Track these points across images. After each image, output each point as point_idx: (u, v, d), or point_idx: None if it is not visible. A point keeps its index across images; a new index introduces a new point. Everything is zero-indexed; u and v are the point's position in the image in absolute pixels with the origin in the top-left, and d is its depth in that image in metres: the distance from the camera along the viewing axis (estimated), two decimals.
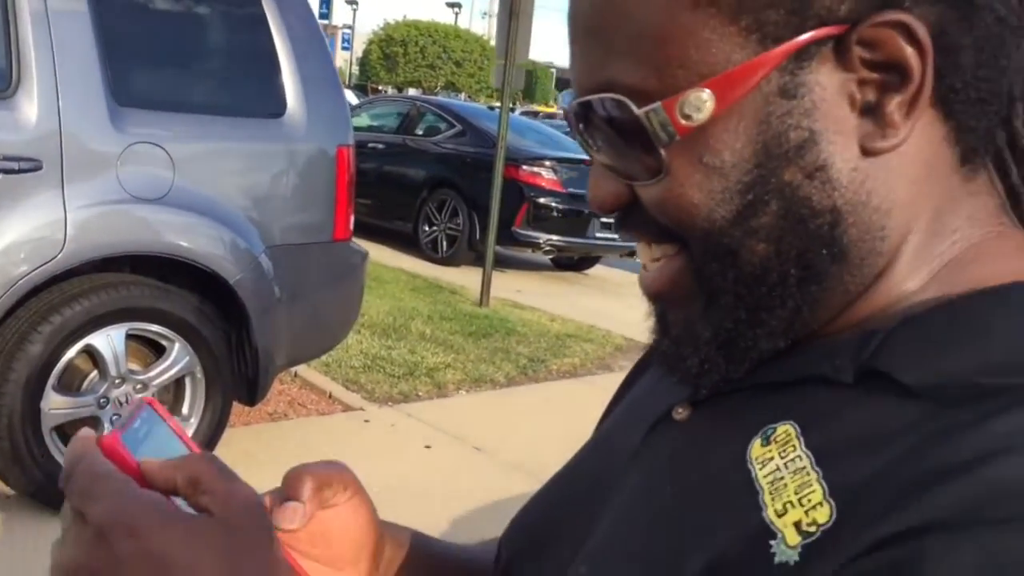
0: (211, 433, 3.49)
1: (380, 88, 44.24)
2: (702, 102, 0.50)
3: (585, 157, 7.95)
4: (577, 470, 0.71)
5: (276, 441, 4.17)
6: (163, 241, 3.20)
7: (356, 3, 66.42)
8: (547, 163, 8.80)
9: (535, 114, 32.32)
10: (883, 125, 0.49)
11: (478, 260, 8.26)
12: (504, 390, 5.36)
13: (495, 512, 3.72)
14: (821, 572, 0.45)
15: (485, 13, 74.14)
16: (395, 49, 46.18)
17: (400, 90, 45.44)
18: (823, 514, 0.47)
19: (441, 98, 12.52)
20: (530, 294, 8.07)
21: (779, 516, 0.48)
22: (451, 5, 64.88)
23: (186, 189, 3.23)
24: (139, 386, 3.30)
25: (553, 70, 60.55)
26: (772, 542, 0.48)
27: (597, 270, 9.93)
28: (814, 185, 0.50)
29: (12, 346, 2.94)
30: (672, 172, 0.52)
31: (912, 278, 0.53)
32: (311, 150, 3.66)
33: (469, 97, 44.49)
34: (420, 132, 9.97)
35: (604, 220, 8.86)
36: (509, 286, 8.11)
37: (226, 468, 0.54)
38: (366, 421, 4.58)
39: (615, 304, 8.17)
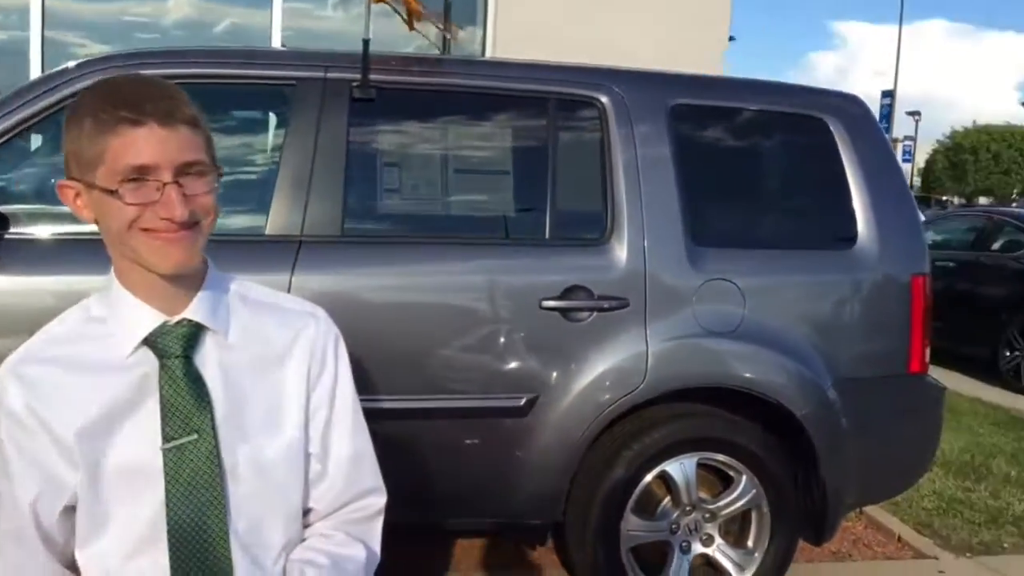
0: (775, 568, 3.42)
1: (946, 199, 41.65)
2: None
3: None
4: None
5: None
6: (733, 374, 3.26)
7: (919, 114, 63.90)
8: None
9: None
10: None
11: None
12: None
13: None
14: None
15: None
16: (963, 157, 43.29)
17: (968, 200, 42.29)
18: None
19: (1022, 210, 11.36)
20: None
21: None
22: None
23: (756, 322, 3.28)
24: (707, 515, 3.37)
25: None
26: None
27: None
28: None
29: (600, 468, 3.19)
30: None
31: None
32: (883, 279, 3.50)
33: None
34: (997, 248, 9.10)
35: None
36: None
37: None
38: (940, 572, 4.15)
39: None
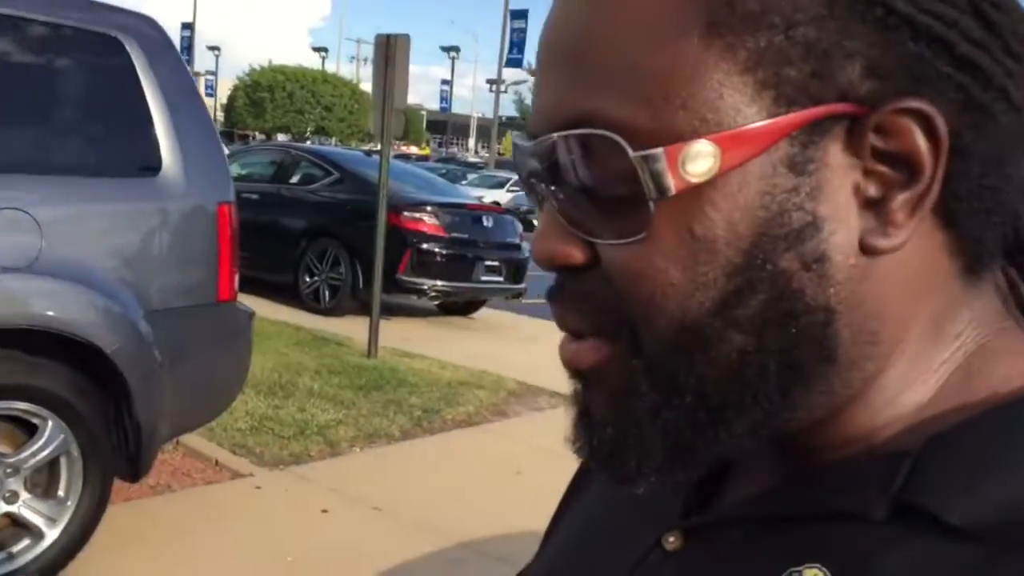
0: (91, 515, 3.24)
1: (248, 134, 43.47)
2: (707, 157, 0.42)
3: (466, 201, 8.00)
4: None
5: (162, 516, 3.92)
6: (32, 312, 2.97)
7: (219, 49, 65.28)
8: (429, 208, 8.73)
9: (408, 156, 32.35)
10: (884, 222, 0.43)
11: (362, 309, 8.11)
12: (400, 444, 5.21)
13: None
14: None
15: (353, 57, 73.96)
16: (262, 95, 45.51)
17: (268, 136, 44.77)
18: None
19: (317, 145, 12.33)
20: (418, 342, 7.94)
21: None
22: (317, 50, 64.45)
23: (55, 256, 3.01)
24: (8, 470, 3.04)
25: (423, 113, 60.78)
26: None
27: (484, 314, 9.88)
28: (810, 277, 0.43)
29: None
30: (654, 237, 0.43)
31: (915, 389, 0.47)
32: (190, 209, 3.48)
33: (340, 142, 44.17)
34: (296, 181, 9.76)
35: (489, 263, 8.84)
36: (396, 334, 7.96)
37: None
38: (257, 488, 4.36)
39: (504, 347, 8.13)
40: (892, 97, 0.42)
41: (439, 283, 8.58)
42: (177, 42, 4.05)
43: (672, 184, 0.42)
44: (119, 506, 3.81)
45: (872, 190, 0.43)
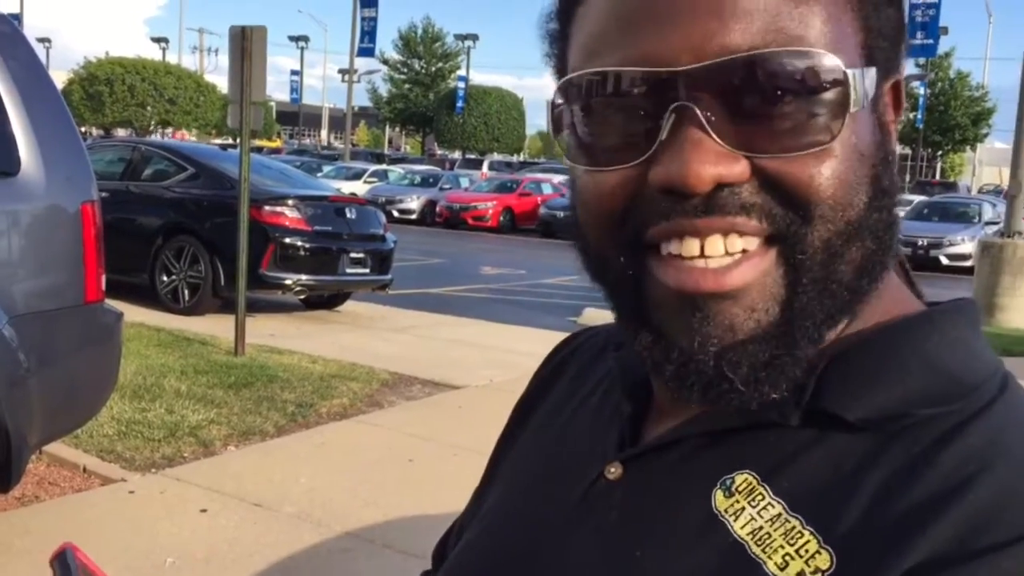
0: None
1: (84, 130, 41.47)
2: (876, 83, 0.55)
3: (328, 193, 7.90)
4: (496, 544, 0.68)
5: (32, 526, 3.79)
6: None
7: (49, 41, 61.87)
8: (290, 202, 8.62)
9: (259, 149, 31.58)
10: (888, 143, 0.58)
11: (224, 307, 7.96)
12: (276, 440, 5.17)
13: (286, 571, 3.59)
14: None
15: (195, 48, 71.46)
16: (99, 88, 43.43)
17: (108, 131, 42.81)
18: (823, 561, 0.50)
19: (168, 140, 11.95)
20: (285, 337, 7.86)
21: (781, 570, 0.51)
22: (157, 40, 61.95)
23: None
24: None
25: (272, 104, 59.33)
26: None
27: (349, 306, 9.83)
28: (895, 189, 0.56)
29: None
30: (834, 146, 0.52)
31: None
32: (52, 208, 3.39)
33: (188, 135, 42.67)
34: (146, 177, 9.45)
35: (354, 256, 8.80)
36: (262, 331, 7.85)
37: None
38: (131, 492, 4.26)
39: (372, 339, 8.14)
40: (899, 70, 0.58)
41: (304, 277, 8.50)
42: None
43: (864, 100, 0.53)
44: None
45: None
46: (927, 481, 0.50)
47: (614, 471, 0.61)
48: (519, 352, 7.27)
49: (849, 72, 0.52)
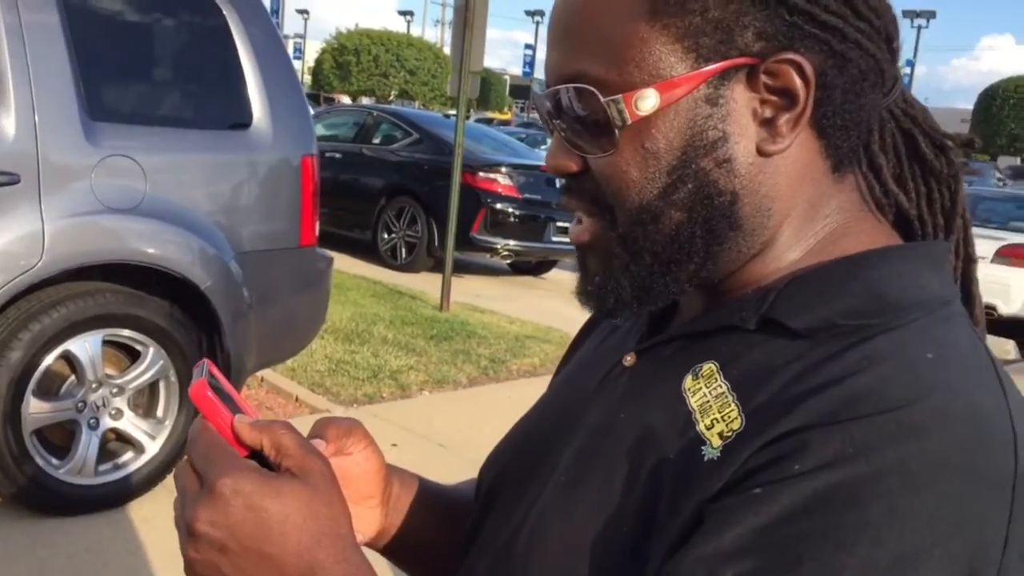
0: (185, 434, 3.59)
1: (334, 97, 44.14)
2: (652, 98, 0.67)
3: (541, 163, 8.12)
4: (544, 412, 0.87)
5: None
6: (136, 249, 3.31)
7: (307, 12, 66.17)
8: (503, 169, 8.98)
9: (489, 121, 32.52)
10: (774, 134, 0.67)
11: (437, 266, 8.41)
12: (466, 390, 5.52)
13: None
14: (734, 462, 0.62)
15: (438, 21, 74.20)
16: (348, 58, 46.10)
17: (354, 99, 45.39)
18: (736, 424, 0.64)
19: (397, 107, 12.62)
20: (489, 298, 8.23)
21: (708, 429, 0.66)
22: (403, 13, 64.84)
23: (158, 199, 3.35)
24: (115, 390, 3.41)
25: (507, 78, 60.76)
26: (703, 447, 0.65)
27: (554, 274, 10.12)
28: (721, 172, 0.68)
29: None
30: (620, 150, 0.68)
31: (794, 250, 0.71)
32: (277, 160, 3.79)
33: (424, 105, 44.56)
34: (377, 141, 10.10)
35: (560, 224, 9.06)
36: (468, 291, 8.27)
37: (302, 438, 0.70)
38: None
39: (572, 307, 8.30)
40: (775, 51, 0.66)
41: (511, 242, 8.85)
42: (267, 4, 4.33)
43: (629, 117, 0.68)
44: None
45: (766, 113, 0.67)
46: (827, 371, 0.63)
47: (629, 359, 0.77)
48: None
49: (610, 99, 0.67)
